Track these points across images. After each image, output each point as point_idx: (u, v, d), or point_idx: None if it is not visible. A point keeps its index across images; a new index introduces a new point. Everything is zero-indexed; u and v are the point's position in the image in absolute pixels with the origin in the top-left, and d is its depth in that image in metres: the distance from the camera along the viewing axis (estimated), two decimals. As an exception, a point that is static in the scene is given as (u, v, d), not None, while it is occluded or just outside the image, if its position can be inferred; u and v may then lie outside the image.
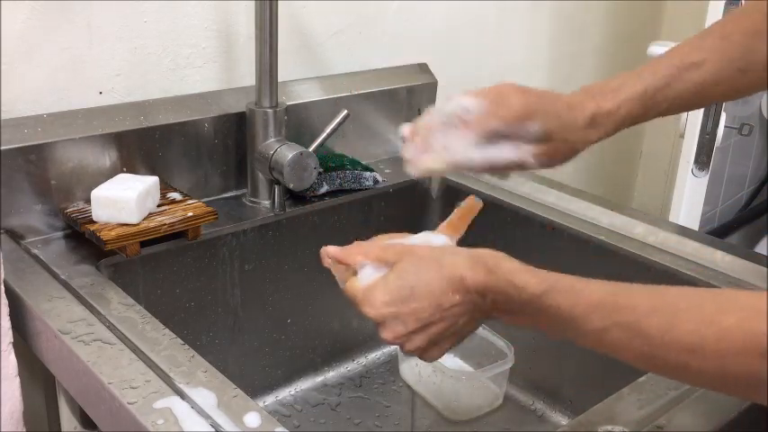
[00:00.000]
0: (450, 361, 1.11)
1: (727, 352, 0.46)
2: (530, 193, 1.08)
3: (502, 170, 0.72)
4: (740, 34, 0.70)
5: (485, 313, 0.60)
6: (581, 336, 0.54)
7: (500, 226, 1.06)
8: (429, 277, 0.59)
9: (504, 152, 0.69)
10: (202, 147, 0.98)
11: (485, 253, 0.60)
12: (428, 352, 0.61)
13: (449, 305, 0.59)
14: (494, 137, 0.68)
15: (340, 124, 1.00)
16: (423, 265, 0.60)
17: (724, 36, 0.71)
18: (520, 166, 0.70)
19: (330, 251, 0.66)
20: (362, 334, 1.14)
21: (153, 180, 0.87)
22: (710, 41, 0.71)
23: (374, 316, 0.61)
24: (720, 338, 0.47)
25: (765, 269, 0.88)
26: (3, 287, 0.73)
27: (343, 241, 1.06)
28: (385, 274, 0.62)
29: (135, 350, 0.68)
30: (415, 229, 1.14)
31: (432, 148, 0.70)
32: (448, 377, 1.02)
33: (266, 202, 1.00)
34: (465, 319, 0.60)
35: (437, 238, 0.69)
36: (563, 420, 1.03)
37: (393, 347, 1.15)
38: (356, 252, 0.65)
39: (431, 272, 0.59)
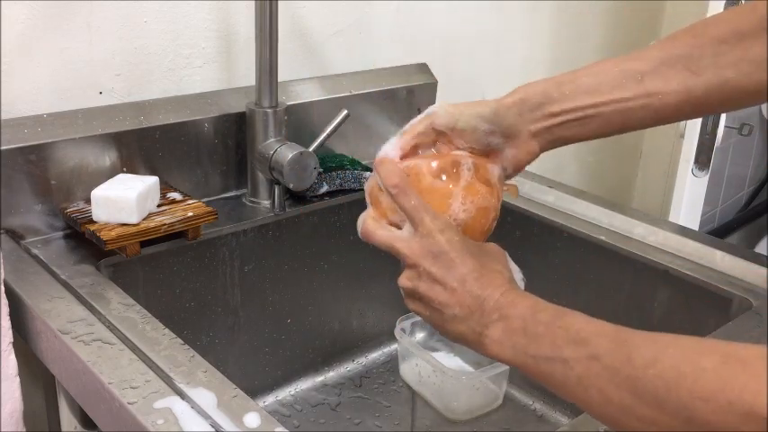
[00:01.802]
0: (450, 361, 1.11)
1: (700, 394, 0.45)
2: (530, 193, 1.08)
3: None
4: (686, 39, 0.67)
5: (479, 326, 0.60)
6: (570, 363, 0.53)
7: (500, 226, 1.05)
8: (490, 275, 0.61)
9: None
10: (202, 147, 0.98)
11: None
12: (412, 302, 0.65)
13: (465, 291, 0.60)
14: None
15: (340, 124, 1.00)
16: (500, 269, 0.62)
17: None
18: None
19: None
20: (362, 334, 1.14)
21: (153, 180, 0.87)
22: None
23: (430, 230, 0.62)
24: (696, 379, 0.45)
25: (765, 269, 0.88)
26: (3, 287, 0.73)
27: (344, 241, 1.07)
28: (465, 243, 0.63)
29: (135, 350, 0.68)
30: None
31: None
32: (448, 377, 1.02)
33: (266, 202, 1.00)
34: (457, 312, 0.61)
35: None
36: (563, 420, 1.03)
37: (393, 347, 1.15)
38: None
39: (493, 271, 0.61)
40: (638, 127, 0.67)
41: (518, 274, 0.66)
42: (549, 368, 0.54)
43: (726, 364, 0.45)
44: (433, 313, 0.63)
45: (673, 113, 0.66)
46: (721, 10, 1.27)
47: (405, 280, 0.64)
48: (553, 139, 0.68)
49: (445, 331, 0.63)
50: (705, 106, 0.66)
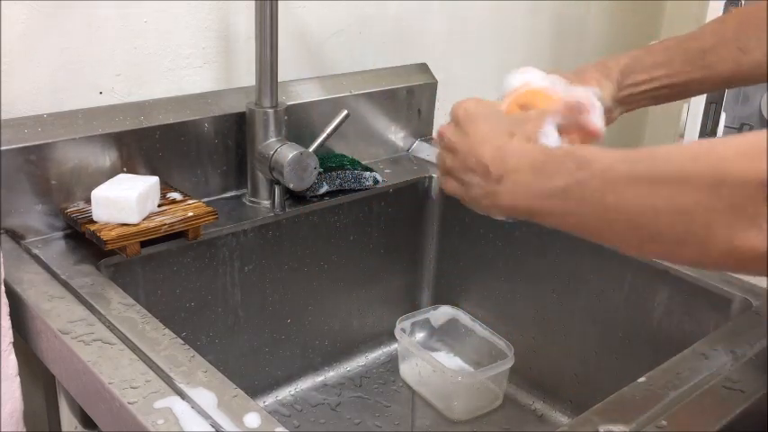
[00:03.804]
0: (450, 361, 1.11)
1: (734, 151, 0.46)
2: (530, 193, 1.08)
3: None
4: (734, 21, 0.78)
5: (494, 181, 0.62)
6: (586, 182, 0.54)
7: (500, 225, 1.06)
8: (496, 132, 0.64)
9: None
10: (202, 147, 0.98)
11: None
12: (444, 177, 0.69)
13: (474, 157, 0.64)
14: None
15: (340, 124, 1.00)
16: (513, 131, 0.64)
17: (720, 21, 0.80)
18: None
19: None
20: (362, 334, 1.14)
21: (153, 180, 0.87)
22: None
23: (453, 108, 0.69)
24: (727, 146, 0.47)
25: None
26: (3, 287, 0.73)
27: (344, 241, 1.07)
28: (500, 109, 0.69)
29: (135, 350, 0.68)
30: (415, 228, 1.14)
31: None
32: (448, 377, 1.02)
33: (266, 202, 1.00)
34: (472, 178, 0.64)
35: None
36: (563, 420, 1.03)
37: (393, 347, 1.15)
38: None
39: (500, 131, 0.64)
40: (695, 94, 0.81)
41: (552, 136, 0.67)
42: (569, 194, 0.55)
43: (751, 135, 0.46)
44: (460, 185, 0.67)
45: (724, 83, 0.79)
46: (721, 10, 1.27)
47: (438, 157, 0.70)
48: (629, 105, 0.80)
49: (471, 201, 0.66)
50: (752, 78, 0.77)
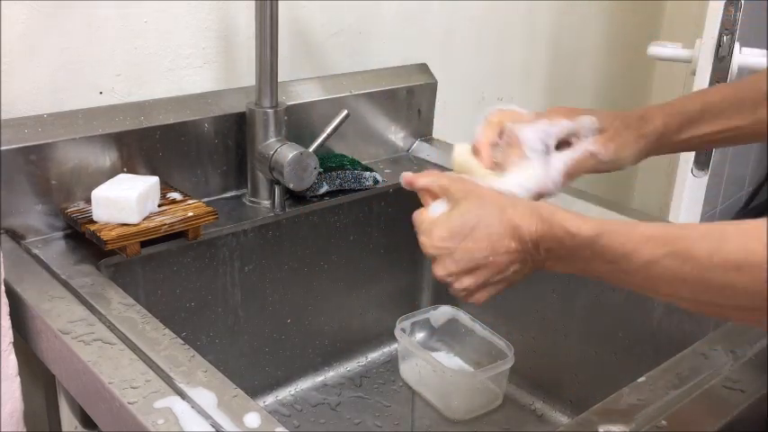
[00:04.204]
0: (450, 361, 1.11)
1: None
2: (530, 193, 1.08)
3: (578, 172, 0.77)
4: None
5: (537, 263, 0.62)
6: (630, 273, 0.55)
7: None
8: (489, 221, 0.61)
9: (576, 150, 0.75)
10: (202, 147, 0.98)
11: (541, 204, 0.62)
12: (475, 294, 0.65)
13: (503, 251, 0.61)
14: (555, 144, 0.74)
15: (340, 124, 1.00)
16: (485, 209, 0.62)
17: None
18: (594, 159, 0.77)
19: (406, 176, 0.70)
20: (362, 334, 1.14)
21: (153, 180, 0.87)
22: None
23: (430, 249, 0.64)
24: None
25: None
26: (3, 287, 0.73)
27: (344, 241, 1.07)
28: (449, 210, 0.64)
29: (135, 350, 0.68)
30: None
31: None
32: (448, 377, 1.02)
33: (266, 202, 1.00)
34: (516, 267, 0.62)
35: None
36: (563, 420, 1.03)
37: (393, 347, 1.15)
38: (427, 180, 0.68)
39: (492, 216, 0.62)
40: (744, 143, 0.76)
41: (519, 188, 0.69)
42: (614, 277, 0.58)
43: None
44: (500, 286, 0.65)
45: None
46: (721, 11, 1.27)
47: (453, 288, 0.66)
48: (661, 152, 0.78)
49: (519, 282, 0.65)
50: None
